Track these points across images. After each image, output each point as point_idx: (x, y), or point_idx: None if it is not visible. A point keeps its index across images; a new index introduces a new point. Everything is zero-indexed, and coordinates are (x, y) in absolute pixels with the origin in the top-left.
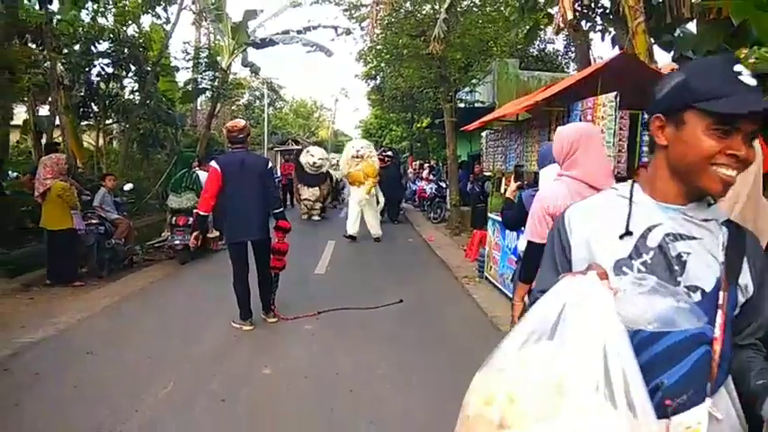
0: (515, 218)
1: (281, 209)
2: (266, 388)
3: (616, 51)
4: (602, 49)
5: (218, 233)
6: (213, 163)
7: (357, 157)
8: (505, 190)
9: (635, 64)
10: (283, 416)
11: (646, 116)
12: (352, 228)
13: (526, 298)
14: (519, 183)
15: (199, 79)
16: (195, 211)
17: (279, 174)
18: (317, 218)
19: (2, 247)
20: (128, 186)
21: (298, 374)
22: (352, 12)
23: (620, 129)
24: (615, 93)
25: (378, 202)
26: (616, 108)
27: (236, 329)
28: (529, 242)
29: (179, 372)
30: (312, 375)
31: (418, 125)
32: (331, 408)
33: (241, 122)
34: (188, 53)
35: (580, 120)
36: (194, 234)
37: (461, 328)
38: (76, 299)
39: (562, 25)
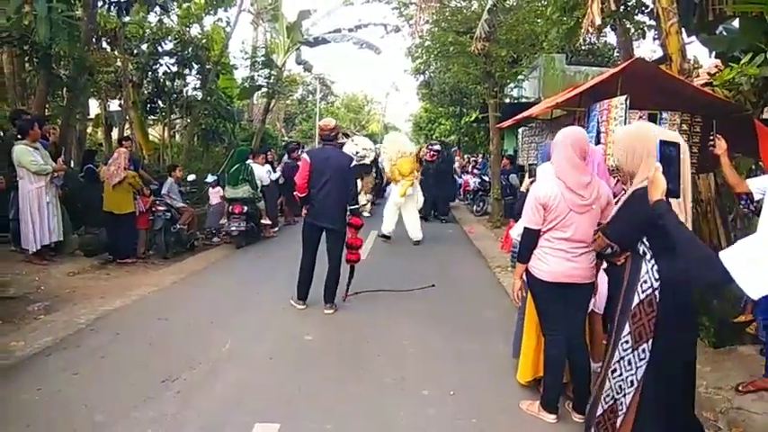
0: (521, 208)
1: (357, 206)
2: (307, 350)
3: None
4: (649, 45)
5: (270, 222)
6: (304, 155)
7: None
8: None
9: (652, 68)
10: (321, 371)
11: (664, 115)
12: (388, 227)
13: (524, 276)
14: (533, 179)
15: (255, 76)
16: (295, 194)
17: None
18: (366, 214)
19: (94, 228)
20: (191, 177)
21: (335, 341)
22: (402, 9)
23: None
24: (626, 95)
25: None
26: (626, 110)
27: (282, 303)
28: (525, 228)
29: (235, 335)
30: (347, 342)
31: (466, 119)
32: (361, 367)
33: (332, 122)
34: (246, 52)
35: (597, 120)
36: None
37: (486, 310)
38: (147, 275)
39: (591, 29)
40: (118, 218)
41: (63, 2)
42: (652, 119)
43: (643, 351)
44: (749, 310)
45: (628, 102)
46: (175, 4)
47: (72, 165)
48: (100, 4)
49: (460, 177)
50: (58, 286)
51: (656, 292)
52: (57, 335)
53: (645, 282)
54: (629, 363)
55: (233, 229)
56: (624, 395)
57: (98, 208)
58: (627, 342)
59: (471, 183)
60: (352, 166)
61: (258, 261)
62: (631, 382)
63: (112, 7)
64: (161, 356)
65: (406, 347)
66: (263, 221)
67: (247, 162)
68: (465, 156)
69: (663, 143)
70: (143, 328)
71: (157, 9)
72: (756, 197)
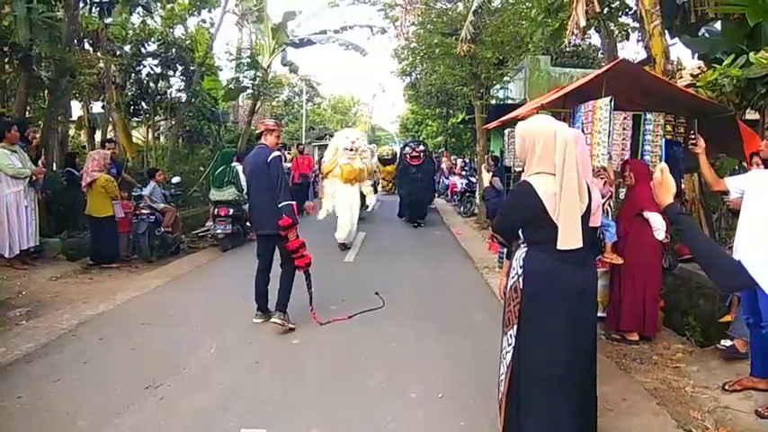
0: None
1: (286, 203)
2: (294, 354)
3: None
4: (633, 47)
5: None
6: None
7: (351, 149)
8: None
9: (636, 68)
10: (308, 375)
11: (647, 116)
12: (346, 233)
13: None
14: (492, 171)
15: (241, 78)
16: None
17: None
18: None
19: (76, 232)
20: (175, 179)
21: (322, 345)
22: (387, 11)
23: (624, 129)
24: (610, 97)
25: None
26: (610, 111)
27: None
28: None
29: (220, 339)
30: (334, 346)
31: (453, 120)
32: (348, 370)
33: (268, 122)
34: (231, 53)
35: (582, 121)
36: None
37: (474, 311)
38: (131, 280)
39: (576, 31)
40: (98, 221)
41: (43, 2)
42: (636, 119)
43: (510, 336)
44: (734, 309)
45: (612, 103)
46: (159, 5)
47: (54, 167)
48: (81, 4)
49: (448, 179)
50: (40, 291)
51: (520, 279)
52: (38, 341)
53: (513, 268)
54: (501, 347)
55: (218, 231)
56: (500, 381)
57: (80, 211)
58: (503, 327)
59: (458, 184)
60: (270, 159)
61: (244, 264)
62: (505, 366)
63: (94, 8)
64: (145, 362)
65: (394, 350)
66: (248, 224)
67: (233, 164)
68: (452, 157)
69: (669, 143)
70: (126, 334)
71: (140, 10)
72: (733, 196)
